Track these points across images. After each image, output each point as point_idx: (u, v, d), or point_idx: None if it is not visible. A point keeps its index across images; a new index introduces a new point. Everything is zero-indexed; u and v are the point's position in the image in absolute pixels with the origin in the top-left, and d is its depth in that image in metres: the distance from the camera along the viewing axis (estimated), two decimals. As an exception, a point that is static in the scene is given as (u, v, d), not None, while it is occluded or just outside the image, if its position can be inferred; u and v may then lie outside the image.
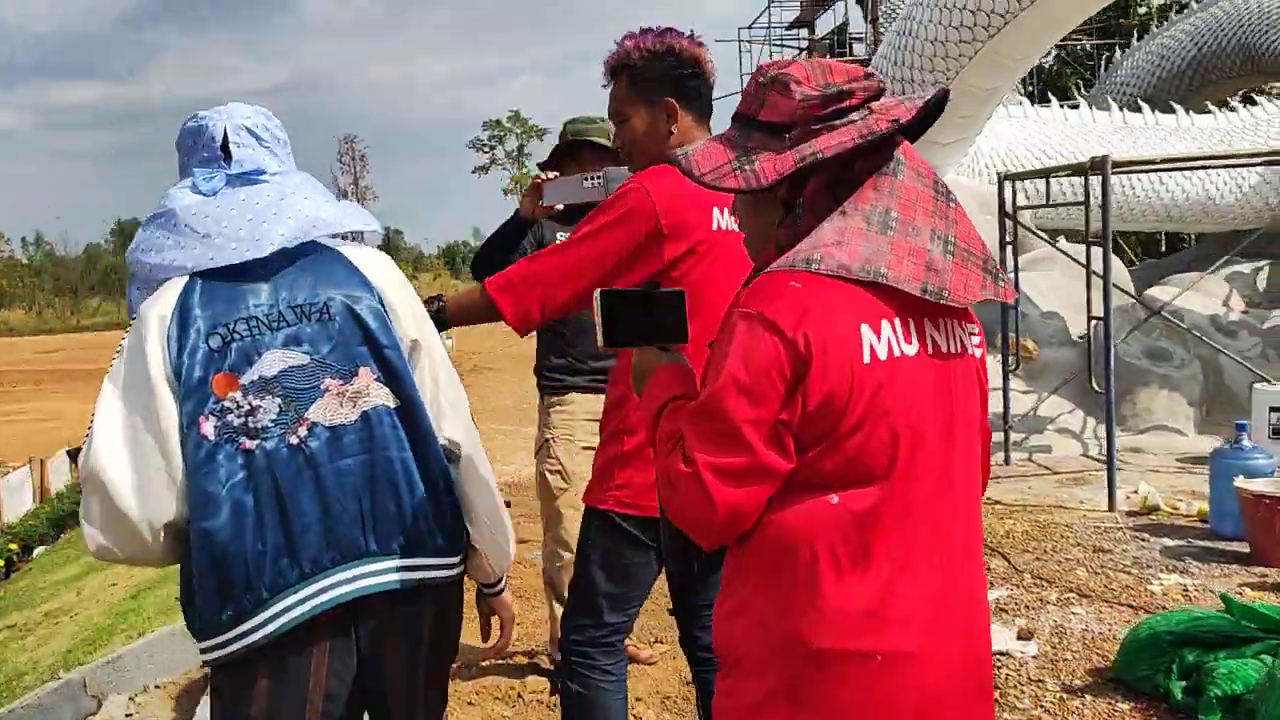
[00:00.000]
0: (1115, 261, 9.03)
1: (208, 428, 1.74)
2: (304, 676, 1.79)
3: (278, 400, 1.78)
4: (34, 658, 6.88)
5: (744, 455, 1.39)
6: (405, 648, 1.89)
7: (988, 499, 6.47)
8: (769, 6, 24.47)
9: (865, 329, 1.40)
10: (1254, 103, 12.22)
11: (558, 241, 2.58)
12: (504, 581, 2.05)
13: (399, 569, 1.84)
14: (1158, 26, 17.91)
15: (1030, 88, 21.65)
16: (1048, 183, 7.05)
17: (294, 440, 1.78)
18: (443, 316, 2.41)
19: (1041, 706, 3.58)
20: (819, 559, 1.40)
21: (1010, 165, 11.75)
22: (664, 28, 2.38)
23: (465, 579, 1.99)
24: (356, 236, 2.00)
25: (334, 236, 1.93)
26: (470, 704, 3.84)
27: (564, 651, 2.52)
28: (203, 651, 1.78)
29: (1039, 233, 8.02)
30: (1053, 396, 7.79)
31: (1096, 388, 6.65)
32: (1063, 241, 8.92)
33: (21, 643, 7.56)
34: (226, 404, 1.75)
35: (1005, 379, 7.45)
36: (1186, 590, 4.64)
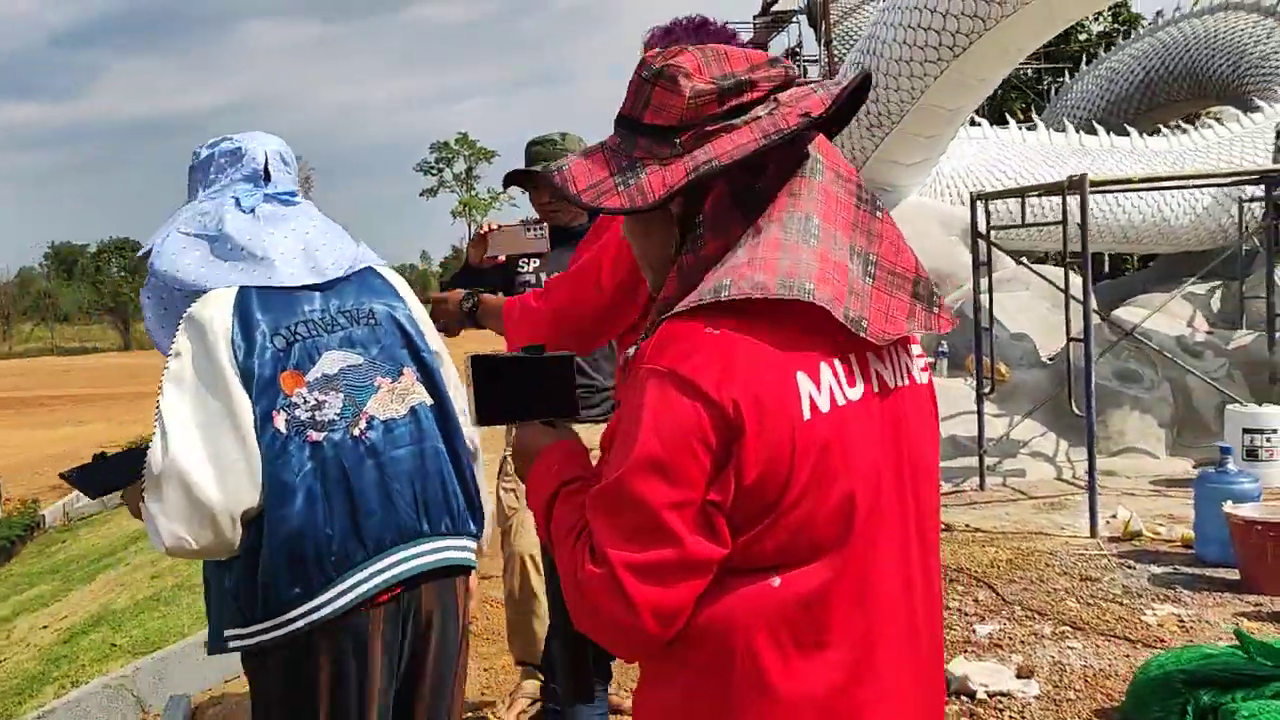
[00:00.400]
0: (1078, 283, 9.01)
1: (280, 422, 1.88)
2: (364, 650, 1.93)
3: (341, 396, 1.95)
4: (-45, 711, 6.40)
5: (668, 547, 1.14)
6: (443, 622, 2.04)
7: (967, 526, 6.31)
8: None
9: (802, 378, 1.16)
10: (1185, 129, 12.38)
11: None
12: None
13: (447, 548, 2.03)
14: (1099, 53, 18.21)
15: (976, 111, 21.94)
16: (1023, 203, 6.95)
17: (356, 432, 1.95)
18: (475, 314, 2.41)
19: (1052, 754, 3.37)
20: (762, 650, 1.17)
21: (970, 185, 11.73)
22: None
23: None
24: None
25: None
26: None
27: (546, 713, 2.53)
28: (260, 634, 1.89)
29: (1009, 253, 7.93)
30: (1024, 419, 7.67)
31: (1077, 411, 6.53)
32: (1024, 262, 8.86)
33: (-58, 693, 7.05)
34: (294, 400, 1.91)
35: (980, 403, 7.31)
36: (1182, 621, 4.48)
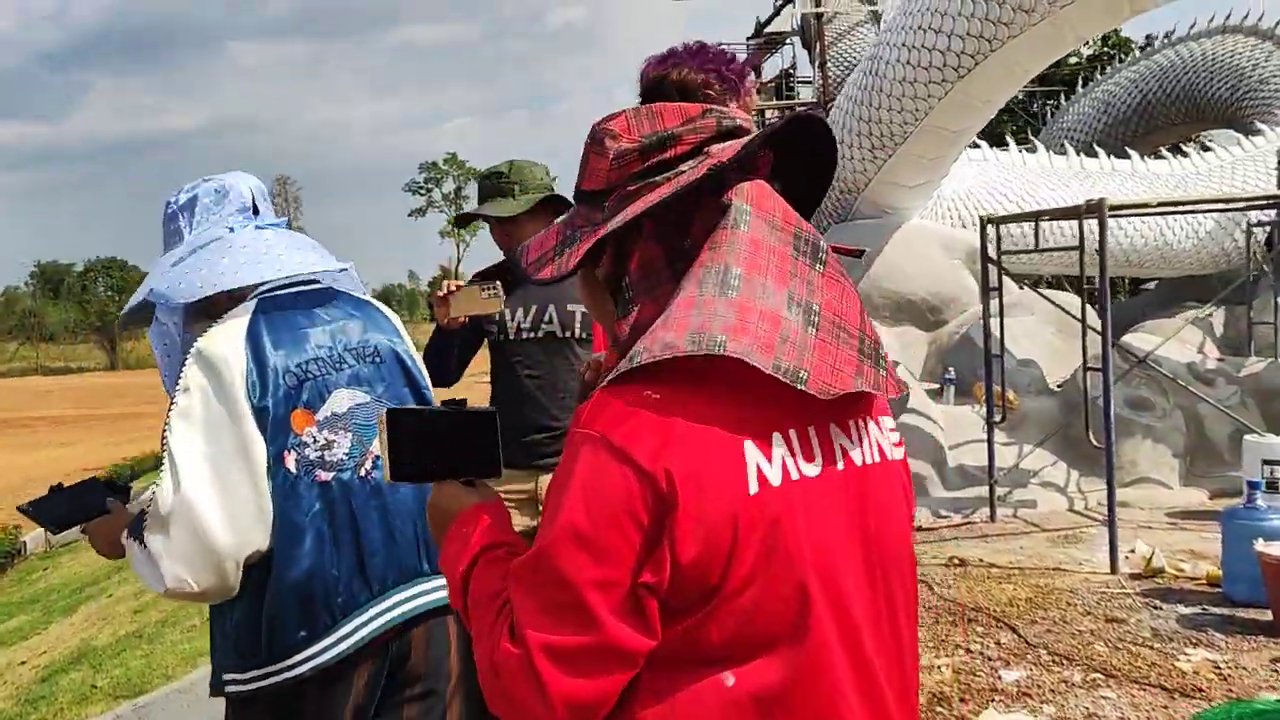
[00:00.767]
0: (1090, 309, 8.86)
1: (290, 461, 1.88)
2: (348, 693, 1.92)
3: (349, 435, 1.96)
4: (-75, 758, 6.13)
5: (588, 632, 1.04)
6: (435, 662, 2.04)
7: (981, 561, 6.10)
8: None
9: (750, 448, 1.07)
10: (1187, 152, 12.27)
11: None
12: None
13: (443, 587, 1.99)
14: (1090, 76, 18.17)
15: (972, 133, 21.94)
16: (1036, 227, 6.78)
17: (363, 473, 1.96)
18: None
19: (1098, 818, 3.16)
20: None
21: (970, 208, 11.61)
22: None
23: None
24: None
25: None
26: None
27: None
28: (259, 679, 1.87)
29: (1015, 278, 7.76)
30: (1035, 449, 7.49)
31: (1095, 443, 6.34)
32: (1042, 291, 8.70)
33: (-88, 737, 6.76)
34: (304, 439, 1.90)
35: (990, 432, 7.12)
36: (1218, 667, 4.28)
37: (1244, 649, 4.47)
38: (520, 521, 3.02)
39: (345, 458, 1.94)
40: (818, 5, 19.75)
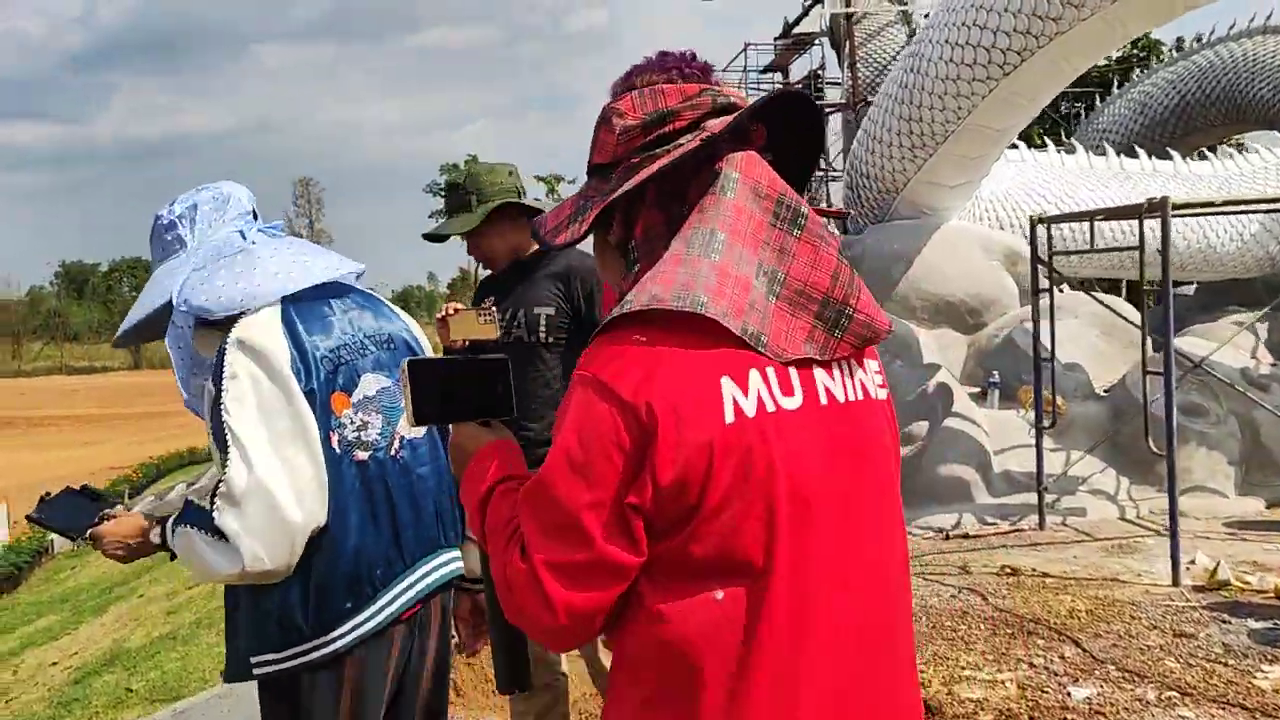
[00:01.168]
0: (1135, 312, 8.64)
1: (335, 441, 1.98)
2: (383, 666, 2.05)
3: (380, 417, 2.06)
4: (-41, 760, 6.05)
5: (583, 549, 1.18)
6: (444, 628, 2.21)
7: (1034, 570, 5.92)
8: (745, 50, 24.30)
9: (727, 382, 1.18)
10: (1230, 153, 12.02)
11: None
12: None
13: (456, 559, 2.21)
14: (1118, 78, 17.89)
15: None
16: (1091, 227, 6.58)
17: (393, 451, 2.08)
18: None
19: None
20: (710, 669, 1.18)
21: (1008, 209, 11.41)
22: None
23: None
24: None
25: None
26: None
27: None
28: (298, 656, 1.95)
29: (1067, 280, 7.57)
30: (1086, 455, 7.29)
31: (1155, 449, 6.15)
32: (1096, 295, 8.51)
33: (-55, 738, 6.69)
34: (342, 420, 2.00)
35: (1039, 438, 6.94)
36: (1298, 685, 4.10)
37: (1323, 666, 4.29)
38: None
39: (379, 438, 2.05)
40: (847, 5, 19.55)
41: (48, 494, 2.09)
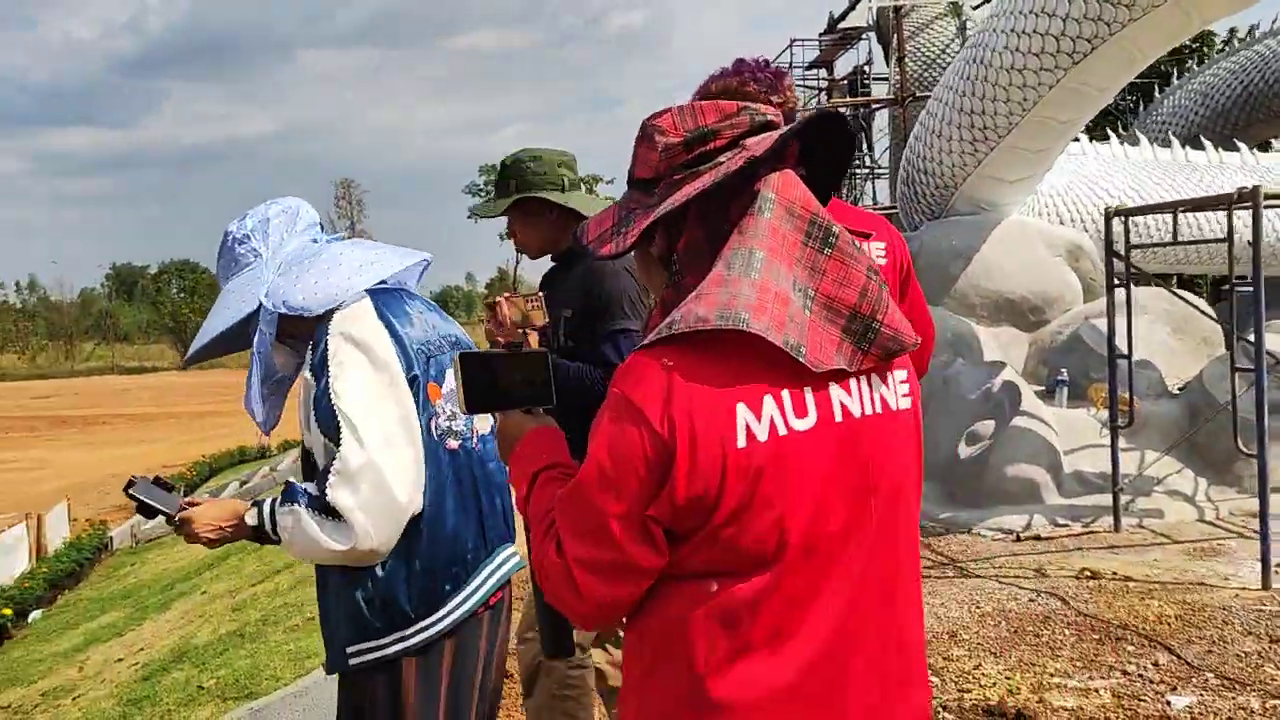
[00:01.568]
0: (1207, 307, 8.40)
1: (433, 428, 2.06)
2: (475, 651, 2.14)
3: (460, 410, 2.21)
4: (33, 756, 6.09)
5: (610, 551, 1.30)
6: (506, 618, 2.29)
7: (1114, 574, 5.76)
8: (790, 46, 24.09)
9: (742, 409, 1.27)
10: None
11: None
12: None
13: (516, 551, 2.26)
14: (1172, 70, 17.46)
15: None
16: (1175, 218, 6.38)
17: (473, 443, 2.16)
18: None
19: None
20: (699, 648, 1.31)
21: (1069, 204, 11.18)
22: None
23: None
24: None
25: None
26: None
27: None
28: (402, 639, 2.02)
29: (1144, 275, 7.35)
30: (1163, 455, 7.08)
31: (1245, 449, 5.95)
32: (1179, 293, 8.28)
33: (17, 733, 6.76)
34: (436, 410, 2.08)
35: (1114, 437, 6.75)
36: None
37: None
38: None
39: (464, 428, 2.13)
40: (896, -2, 19.31)
41: (134, 478, 2.11)
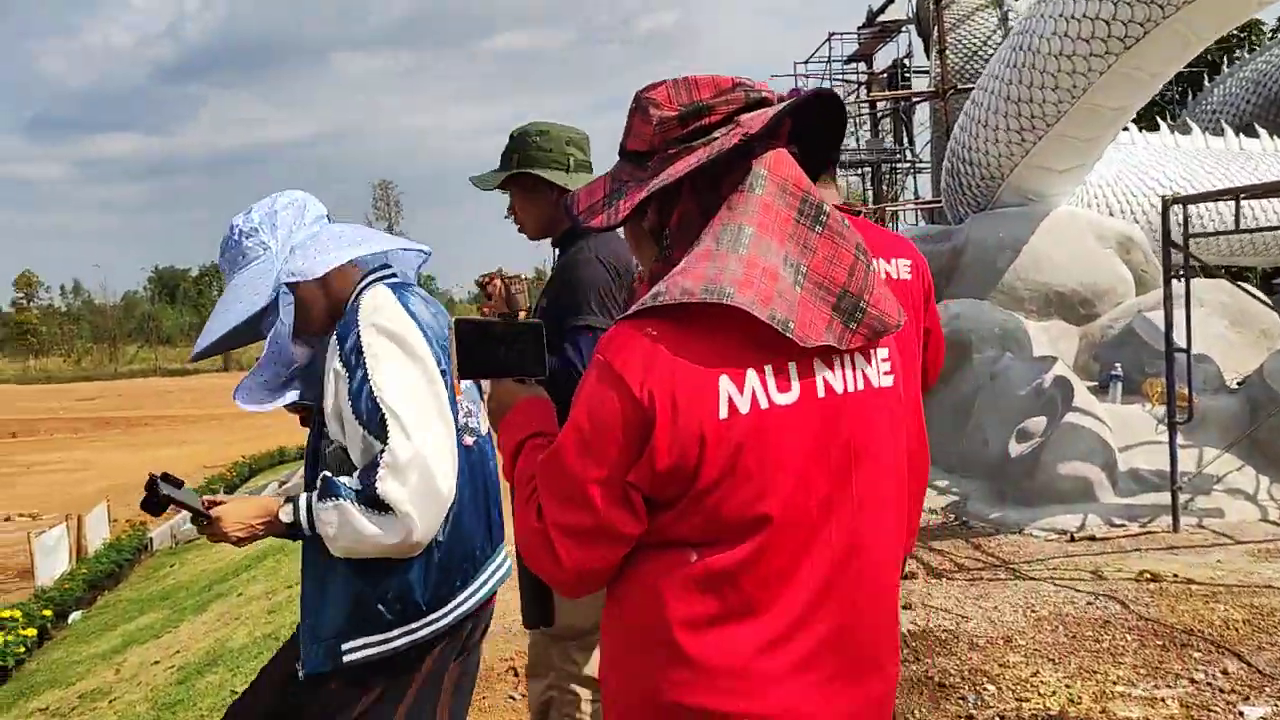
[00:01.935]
0: (1267, 299, 8.09)
1: (457, 422, 2.05)
2: (477, 650, 2.22)
3: (474, 406, 2.17)
4: (67, 761, 6.03)
5: (588, 516, 1.31)
6: (488, 623, 2.28)
7: (1175, 576, 5.51)
8: (828, 40, 23.79)
9: (724, 381, 1.28)
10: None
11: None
12: None
13: (508, 560, 2.25)
14: (1220, 59, 16.98)
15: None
16: (1237, 205, 6.12)
17: (480, 441, 2.16)
18: None
19: None
20: (677, 616, 1.31)
21: (1119, 194, 10.87)
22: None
23: None
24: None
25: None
26: None
27: None
28: (407, 634, 1.98)
29: (1204, 266, 7.09)
30: (1224, 452, 6.80)
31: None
32: (1245, 286, 7.98)
33: (53, 736, 6.73)
34: (459, 405, 2.08)
35: (1172, 434, 6.48)
36: None
37: None
38: None
39: (477, 425, 2.13)
40: (936, -11, 18.97)
41: (154, 477, 2.00)
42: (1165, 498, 6.55)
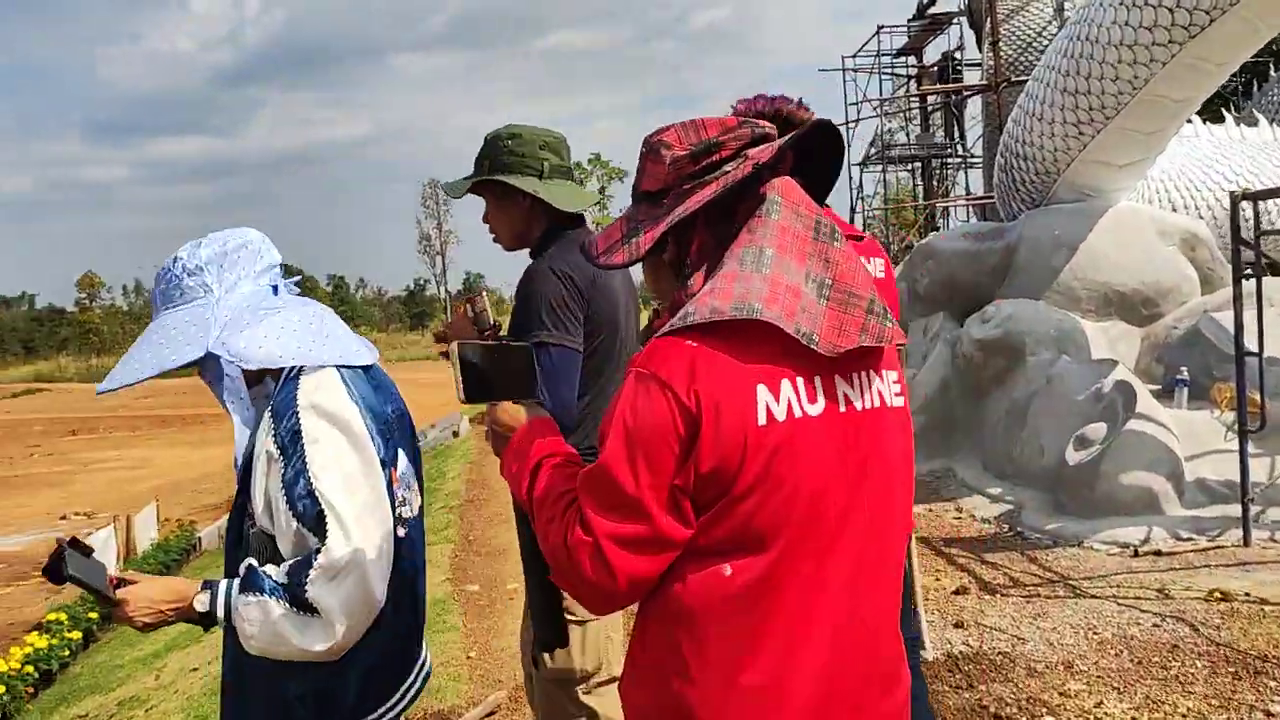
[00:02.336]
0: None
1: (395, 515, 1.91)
2: None
3: (415, 493, 2.01)
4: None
5: (644, 524, 1.34)
6: None
7: (1247, 595, 5.18)
8: (877, 33, 23.36)
9: (762, 389, 1.34)
10: None
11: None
12: None
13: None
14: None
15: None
16: (1315, 201, 5.76)
17: (410, 528, 1.97)
18: None
19: None
20: (713, 633, 1.35)
21: (1182, 189, 10.44)
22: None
23: None
24: None
25: None
26: None
27: None
28: None
29: (1270, 262, 6.71)
30: (1295, 461, 6.43)
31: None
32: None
33: (90, 744, 6.70)
34: (396, 493, 1.91)
35: (1242, 442, 6.13)
36: None
37: None
38: None
39: (413, 514, 1.97)
40: (989, -20, 18.49)
41: (62, 547, 1.76)
42: (1235, 510, 6.20)
